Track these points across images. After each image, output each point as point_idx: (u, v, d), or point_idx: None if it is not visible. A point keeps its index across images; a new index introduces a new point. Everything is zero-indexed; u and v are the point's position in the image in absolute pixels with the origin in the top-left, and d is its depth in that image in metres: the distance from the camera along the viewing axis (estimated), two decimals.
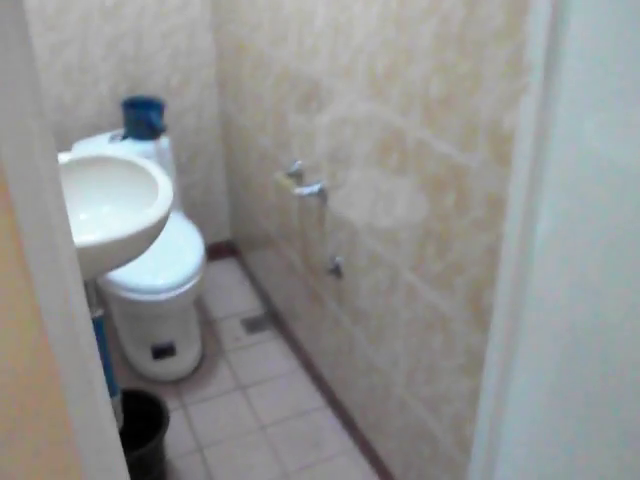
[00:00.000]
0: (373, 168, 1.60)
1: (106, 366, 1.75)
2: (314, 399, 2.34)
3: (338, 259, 1.92)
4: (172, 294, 2.20)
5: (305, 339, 2.43)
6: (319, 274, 2.10)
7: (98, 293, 1.59)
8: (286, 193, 2.05)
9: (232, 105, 2.66)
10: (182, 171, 2.86)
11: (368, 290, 1.79)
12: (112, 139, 2.54)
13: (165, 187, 1.54)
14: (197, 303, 2.77)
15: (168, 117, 2.68)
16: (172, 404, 2.35)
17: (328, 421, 2.24)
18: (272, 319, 2.73)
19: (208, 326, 2.73)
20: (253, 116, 2.43)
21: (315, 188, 1.91)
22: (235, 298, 2.91)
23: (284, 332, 2.62)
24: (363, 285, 1.81)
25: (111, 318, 2.61)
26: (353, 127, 1.65)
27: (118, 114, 2.59)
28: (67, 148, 2.54)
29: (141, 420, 2.00)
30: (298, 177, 2.05)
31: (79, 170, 1.63)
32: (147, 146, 2.52)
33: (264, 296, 2.81)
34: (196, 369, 2.50)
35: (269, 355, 2.57)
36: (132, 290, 2.17)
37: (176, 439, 2.19)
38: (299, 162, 2.04)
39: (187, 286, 2.23)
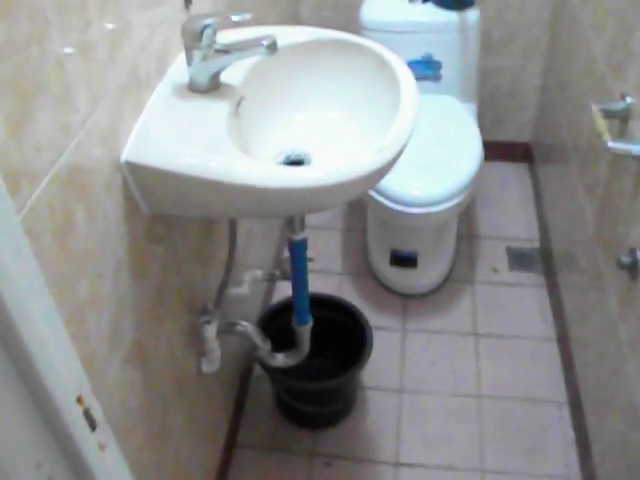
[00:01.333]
0: None
1: (301, 293, 1.50)
2: (555, 389, 1.85)
3: (639, 255, 1.33)
4: (430, 209, 1.80)
5: (571, 309, 1.89)
6: (609, 258, 1.53)
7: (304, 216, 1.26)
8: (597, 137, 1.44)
9: None
10: (489, 51, 2.29)
11: None
12: None
13: (407, 110, 1.09)
14: (462, 211, 2.34)
15: None
16: (392, 322, 2.06)
17: (559, 425, 1.77)
18: (544, 261, 2.21)
19: (466, 241, 2.31)
20: (593, 7, 1.76)
21: (638, 147, 1.29)
22: (510, 216, 2.40)
23: (552, 284, 2.10)
24: None
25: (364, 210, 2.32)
26: None
27: None
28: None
29: (342, 331, 1.79)
30: (622, 120, 1.42)
31: (312, 56, 1.24)
32: (450, 16, 2.02)
33: (543, 226, 2.27)
34: (434, 291, 2.15)
35: (524, 306, 2.09)
36: (380, 192, 1.82)
37: (380, 365, 1.91)
38: (629, 100, 1.40)
39: (449, 203, 1.82)
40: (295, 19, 2.29)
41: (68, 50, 0.79)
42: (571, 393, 1.80)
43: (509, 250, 2.27)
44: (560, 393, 1.84)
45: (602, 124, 1.38)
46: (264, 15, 1.82)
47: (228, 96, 1.10)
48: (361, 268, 2.24)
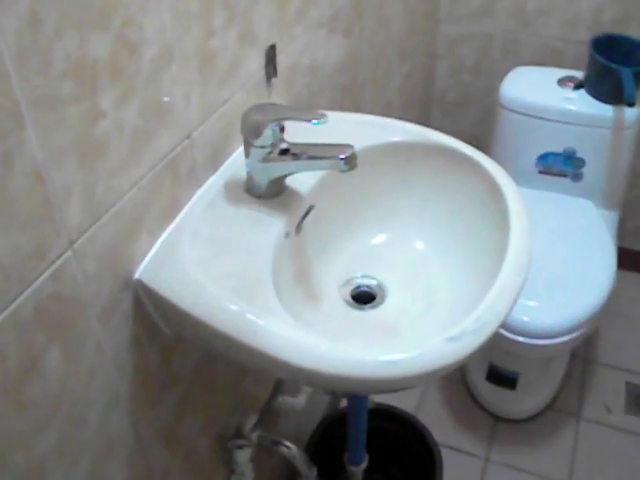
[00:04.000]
0: None
1: (358, 429, 1.26)
2: None
3: None
4: (541, 342, 1.52)
5: None
6: None
7: None
8: None
9: None
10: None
11: None
12: (563, 81, 1.79)
13: (513, 266, 0.82)
14: None
15: None
16: (476, 447, 1.78)
17: None
18: None
19: (580, 366, 1.97)
20: None
21: None
22: (638, 344, 2.04)
23: None
24: None
25: None
26: None
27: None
28: (507, 66, 1.90)
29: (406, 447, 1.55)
30: None
31: (406, 161, 1.01)
32: (604, 109, 1.71)
33: None
34: (531, 419, 1.84)
35: (636, 461, 1.74)
36: None
37: None
38: None
39: (566, 337, 1.53)
40: (429, 78, 2.07)
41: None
42: None
43: (629, 386, 1.91)
44: None
45: None
46: (390, 71, 1.60)
47: (291, 206, 0.89)
48: (453, 375, 1.96)
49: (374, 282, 0.98)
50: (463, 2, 1.94)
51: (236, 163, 0.93)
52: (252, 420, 1.20)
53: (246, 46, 0.91)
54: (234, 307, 0.73)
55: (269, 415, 1.25)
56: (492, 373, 1.80)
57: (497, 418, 1.84)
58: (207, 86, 0.83)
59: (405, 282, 0.96)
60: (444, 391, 1.91)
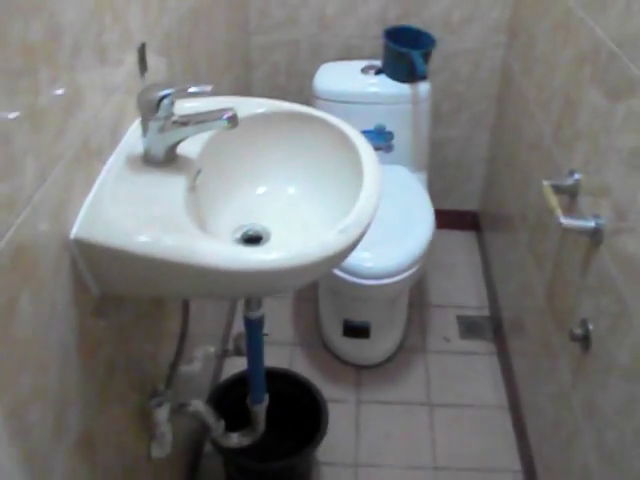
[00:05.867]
0: None
1: (257, 370, 1.46)
2: (509, 458, 1.84)
3: (591, 327, 1.35)
4: (384, 281, 1.79)
5: (523, 376, 1.90)
6: (560, 328, 1.55)
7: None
8: (548, 212, 1.48)
9: (517, 62, 2.06)
10: (439, 123, 2.36)
11: (619, 398, 1.22)
12: (365, 70, 2.12)
13: (371, 187, 1.09)
14: None
15: (436, 57, 2.18)
16: (346, 394, 2.02)
17: None
18: (495, 328, 2.22)
19: (418, 310, 2.31)
20: (538, 86, 1.83)
21: (589, 223, 1.33)
22: (460, 284, 2.43)
23: (503, 351, 2.11)
24: (614, 388, 1.24)
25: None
26: None
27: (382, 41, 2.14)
28: (315, 65, 2.19)
29: (296, 406, 1.74)
30: (571, 195, 1.46)
31: (271, 128, 1.24)
32: (402, 88, 2.06)
33: (493, 295, 2.29)
34: (387, 361, 2.13)
35: (476, 374, 2.09)
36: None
37: (335, 439, 1.86)
38: (578, 176, 1.45)
39: (403, 275, 1.81)
40: (248, 85, 2.31)
41: (14, 116, 0.74)
42: (525, 461, 1.79)
43: (460, 318, 2.28)
44: (514, 461, 1.83)
45: (554, 200, 1.41)
46: (218, 80, 1.82)
47: (185, 169, 1.08)
48: (313, 339, 2.21)
49: (259, 226, 1.19)
50: (270, 14, 2.21)
51: (130, 141, 1.10)
52: (163, 381, 1.35)
53: (124, 44, 1.08)
54: (168, 238, 0.91)
55: (176, 382, 1.40)
56: (347, 328, 2.06)
57: (359, 367, 2.11)
58: (99, 77, 0.99)
59: (284, 221, 1.18)
60: (309, 356, 2.14)
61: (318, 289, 2.24)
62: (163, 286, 1.00)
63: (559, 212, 1.36)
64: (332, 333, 2.11)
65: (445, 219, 2.55)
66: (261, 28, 2.24)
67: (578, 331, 1.38)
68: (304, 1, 2.17)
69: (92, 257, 0.94)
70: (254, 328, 1.29)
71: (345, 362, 2.11)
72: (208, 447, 1.81)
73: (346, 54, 2.24)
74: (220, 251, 0.91)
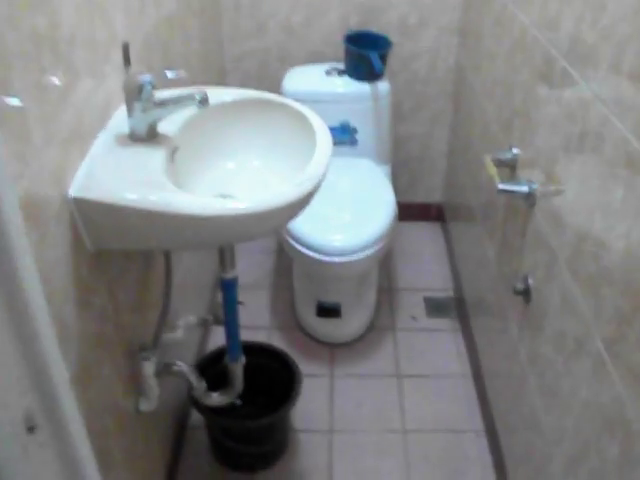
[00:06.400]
0: (614, 182, 1.17)
1: (233, 329, 1.62)
2: (472, 419, 2.01)
3: (530, 282, 1.53)
4: (350, 258, 1.96)
5: (483, 346, 2.07)
6: (509, 290, 1.72)
7: (234, 255, 1.41)
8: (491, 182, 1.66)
9: (468, 60, 2.26)
10: (401, 120, 2.55)
11: (552, 336, 1.39)
12: (329, 72, 2.31)
13: (321, 153, 1.27)
14: (382, 266, 2.53)
15: (396, 60, 2.38)
16: (321, 370, 2.18)
17: (478, 451, 1.91)
18: (458, 307, 2.40)
19: (387, 294, 2.48)
20: (484, 79, 2.03)
21: (523, 188, 1.51)
22: (426, 270, 2.61)
23: (466, 327, 2.28)
24: (548, 328, 1.42)
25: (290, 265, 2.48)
26: (591, 123, 1.23)
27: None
28: (284, 71, 2.37)
29: (273, 378, 1.90)
30: (510, 167, 1.65)
31: (239, 112, 1.42)
32: (363, 87, 2.26)
33: (456, 277, 2.47)
34: (359, 339, 2.29)
35: (442, 348, 2.26)
36: (305, 245, 1.97)
37: (311, 410, 2.02)
38: (516, 150, 1.63)
39: (367, 252, 1.98)
40: None
41: (26, 89, 0.91)
42: (487, 421, 1.95)
43: (426, 300, 2.46)
44: (477, 422, 1.99)
45: (493, 169, 1.60)
46: (194, 85, 2.00)
47: (165, 144, 1.25)
48: (289, 322, 2.36)
49: (229, 192, 1.35)
50: (240, 25, 2.40)
51: (117, 123, 1.27)
52: (150, 341, 1.51)
53: (110, 42, 1.26)
54: (152, 194, 1.08)
55: (162, 346, 1.55)
56: (320, 309, 2.21)
57: (333, 345, 2.27)
58: (91, 66, 1.17)
59: (251, 188, 1.36)
60: (285, 337, 2.30)
61: (293, 277, 2.40)
62: (149, 237, 1.17)
63: (497, 179, 1.54)
64: (306, 315, 2.27)
65: (412, 211, 2.74)
66: (233, 38, 2.43)
67: (520, 286, 1.56)
68: (272, 12, 2.36)
69: (87, 213, 1.11)
70: (228, 289, 1.46)
71: (319, 341, 2.27)
72: (194, 420, 1.95)
73: (312, 59, 2.43)
74: (196, 201, 1.08)
